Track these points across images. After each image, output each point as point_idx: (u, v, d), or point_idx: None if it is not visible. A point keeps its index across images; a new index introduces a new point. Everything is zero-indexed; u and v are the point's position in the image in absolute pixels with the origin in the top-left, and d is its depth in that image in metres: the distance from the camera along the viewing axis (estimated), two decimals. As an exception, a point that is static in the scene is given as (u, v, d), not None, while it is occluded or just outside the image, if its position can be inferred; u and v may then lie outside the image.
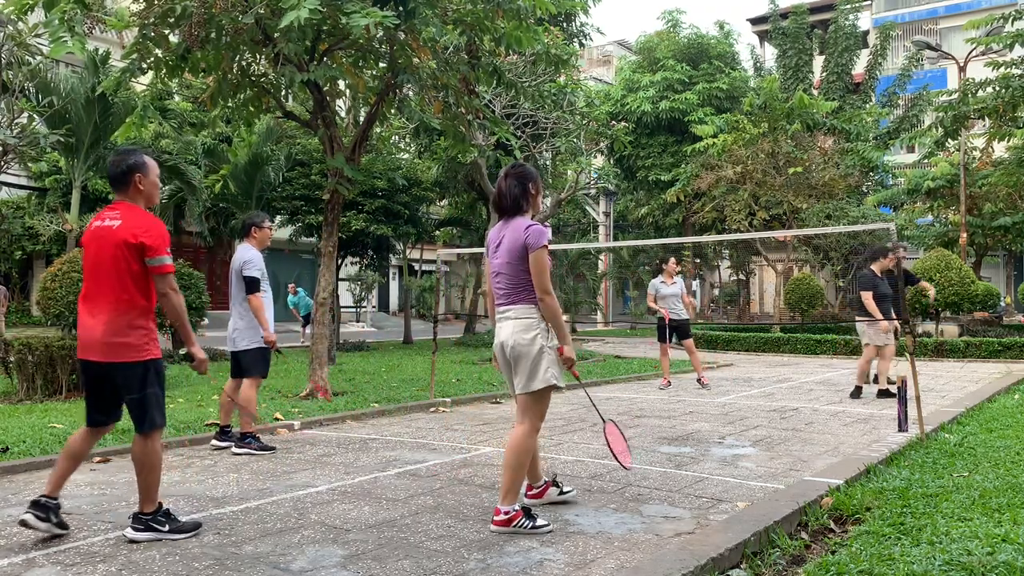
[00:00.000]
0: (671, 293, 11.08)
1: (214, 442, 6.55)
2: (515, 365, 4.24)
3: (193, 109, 21.27)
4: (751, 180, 22.00)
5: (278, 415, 7.80)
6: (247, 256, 6.42)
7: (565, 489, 4.77)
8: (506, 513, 4.12)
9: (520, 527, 4.11)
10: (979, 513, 4.16)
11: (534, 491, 4.67)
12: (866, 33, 34.65)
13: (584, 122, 18.36)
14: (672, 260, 11.40)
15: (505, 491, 4.15)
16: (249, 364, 6.45)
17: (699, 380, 11.16)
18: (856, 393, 9.76)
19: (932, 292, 11.92)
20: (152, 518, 4.04)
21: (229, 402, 6.48)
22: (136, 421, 4.06)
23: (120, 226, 3.97)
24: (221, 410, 6.64)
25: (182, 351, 14.49)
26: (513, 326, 4.26)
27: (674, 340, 11.27)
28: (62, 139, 12.90)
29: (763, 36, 37.01)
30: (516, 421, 4.30)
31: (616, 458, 4.62)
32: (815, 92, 29.23)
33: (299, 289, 24.00)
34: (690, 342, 11.25)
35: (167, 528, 4.03)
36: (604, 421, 4.79)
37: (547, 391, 4.22)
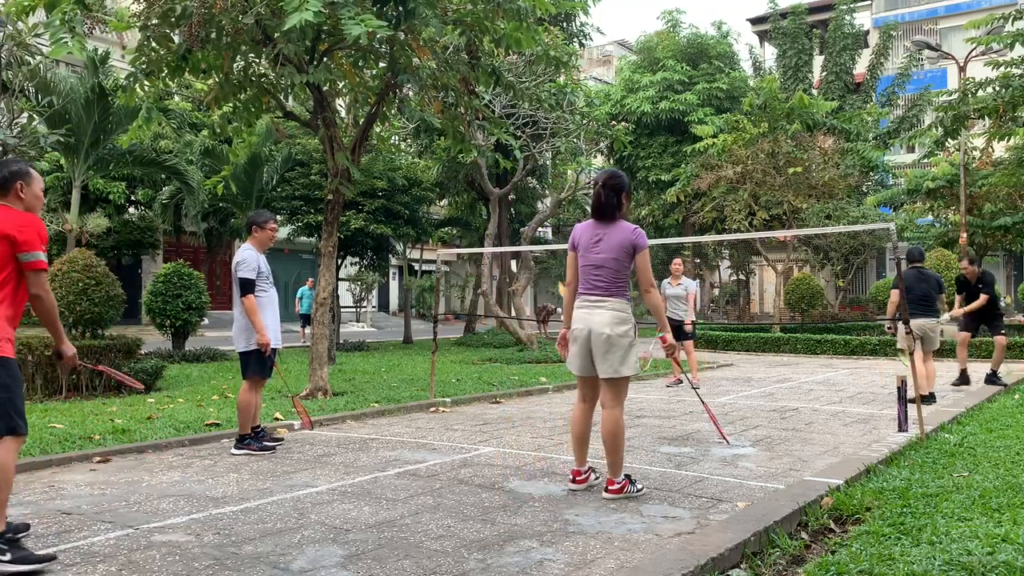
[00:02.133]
0: (673, 294, 11.15)
1: (233, 451, 6.37)
2: (606, 352, 4.75)
3: (193, 109, 21.28)
4: (751, 180, 21.99)
5: (278, 415, 7.80)
6: (240, 257, 6.38)
7: (598, 476, 5.20)
8: (618, 483, 4.82)
9: (630, 493, 4.84)
10: (979, 513, 4.16)
11: (581, 476, 5.09)
12: (866, 33, 34.65)
13: (584, 122, 18.36)
14: (676, 261, 11.44)
15: (613, 467, 4.83)
16: (245, 366, 6.44)
17: (690, 380, 11.25)
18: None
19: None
20: None
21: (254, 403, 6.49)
22: None
23: None
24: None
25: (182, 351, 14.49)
26: (611, 317, 4.79)
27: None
28: (62, 139, 12.89)
29: (763, 36, 37.00)
30: (607, 405, 4.84)
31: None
32: (815, 92, 29.22)
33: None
34: (689, 344, 11.26)
35: (8, 557, 3.53)
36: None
37: (629, 377, 4.86)
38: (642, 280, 4.84)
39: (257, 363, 6.39)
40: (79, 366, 4.43)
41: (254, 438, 6.40)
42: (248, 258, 6.37)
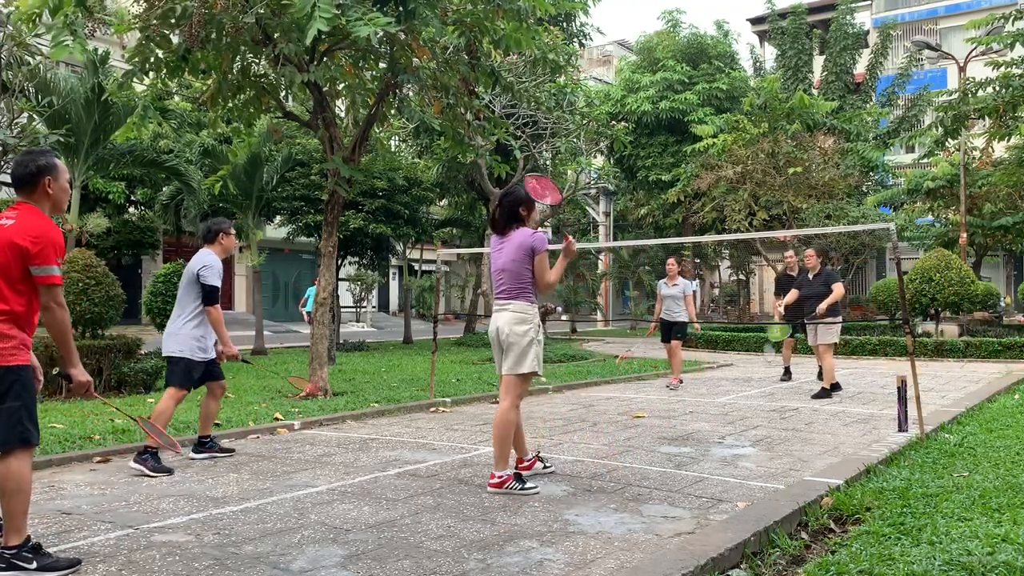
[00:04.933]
0: (668, 295, 11.14)
1: (191, 455, 6.13)
2: (507, 350, 5.07)
3: (193, 109, 21.28)
4: (751, 180, 21.97)
5: (278, 415, 7.80)
6: (208, 260, 5.97)
7: (547, 465, 5.57)
8: (499, 477, 4.94)
9: (511, 488, 4.91)
10: (979, 513, 4.17)
11: (524, 464, 5.42)
12: (866, 33, 34.64)
13: (584, 122, 18.35)
14: (670, 261, 11.41)
15: (497, 459, 5.01)
16: (171, 372, 5.97)
17: (671, 382, 11.34)
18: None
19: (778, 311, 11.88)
20: (16, 553, 3.53)
21: (208, 411, 6.24)
22: None
23: (11, 227, 3.60)
24: (200, 420, 6.29)
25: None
26: (511, 317, 5.07)
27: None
28: (62, 139, 12.87)
29: (763, 36, 37.00)
30: (500, 398, 5.13)
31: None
32: (815, 92, 29.21)
33: None
34: (675, 344, 11.22)
35: (34, 566, 3.52)
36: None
37: (530, 375, 5.11)
38: (538, 280, 5.10)
39: (185, 372, 5.92)
40: (95, 398, 4.19)
41: (153, 456, 5.66)
42: (215, 263, 6.00)
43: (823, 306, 9.77)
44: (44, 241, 3.59)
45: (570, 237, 5.31)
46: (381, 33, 7.40)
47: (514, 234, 5.12)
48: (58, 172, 3.79)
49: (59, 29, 6.97)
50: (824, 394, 9.80)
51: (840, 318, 10.22)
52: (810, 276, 10.38)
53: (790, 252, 12.01)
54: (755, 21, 38.80)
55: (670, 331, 11.25)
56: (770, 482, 5.26)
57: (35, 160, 3.75)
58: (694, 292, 11.79)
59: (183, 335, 5.91)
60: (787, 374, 12.24)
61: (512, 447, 5.22)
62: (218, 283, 5.98)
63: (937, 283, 16.90)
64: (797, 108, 23.01)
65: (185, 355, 5.90)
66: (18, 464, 3.54)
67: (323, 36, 8.81)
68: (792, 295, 10.64)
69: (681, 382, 11.38)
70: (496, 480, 4.93)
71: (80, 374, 3.81)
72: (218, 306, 6.01)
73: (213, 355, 6.10)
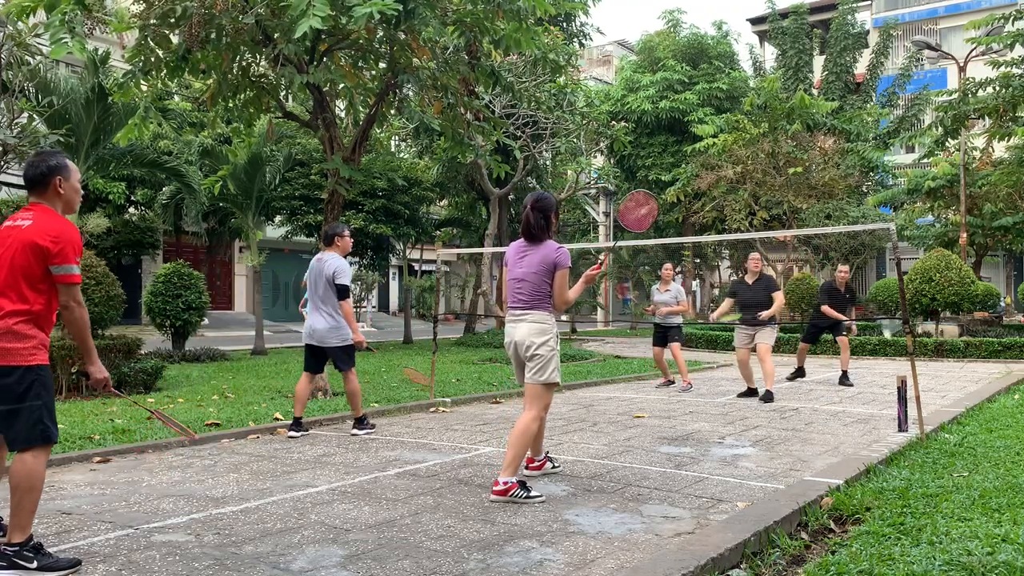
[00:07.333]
0: (660, 301, 10.98)
1: (291, 434, 6.95)
2: (528, 361, 5.00)
3: (193, 109, 21.29)
4: (751, 180, 21.97)
5: (278, 415, 7.80)
6: (340, 265, 7.05)
7: (556, 465, 5.61)
8: (505, 484, 4.76)
9: (515, 496, 4.73)
10: (979, 513, 4.17)
11: (535, 463, 5.46)
12: (867, 33, 34.65)
13: (584, 122, 18.36)
14: (666, 266, 11.31)
15: (507, 464, 4.83)
16: (340, 360, 7.11)
17: (671, 381, 11.28)
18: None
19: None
20: (18, 552, 3.54)
21: (305, 394, 7.13)
22: (13, 435, 3.62)
23: (30, 227, 3.64)
24: (296, 402, 7.11)
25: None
26: (531, 328, 5.02)
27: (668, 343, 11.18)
28: (62, 139, 12.86)
29: (763, 36, 37.00)
30: (525, 407, 5.04)
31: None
32: (815, 92, 29.20)
33: None
34: (676, 346, 11.10)
35: (35, 565, 3.52)
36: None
37: (553, 385, 5.04)
38: (555, 297, 5.04)
39: (352, 356, 7.16)
40: (113, 394, 4.25)
41: (359, 423, 7.13)
42: (345, 266, 7.07)
43: (766, 314, 9.62)
44: (63, 240, 3.65)
45: (598, 267, 5.24)
46: (380, 31, 7.41)
47: (540, 246, 5.04)
48: (69, 172, 3.84)
49: (57, 27, 6.97)
50: (769, 397, 9.49)
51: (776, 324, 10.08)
52: (749, 281, 10.06)
53: (844, 267, 12.15)
54: (755, 21, 38.78)
55: (665, 336, 11.09)
56: (770, 482, 5.26)
57: (46, 160, 3.79)
58: (694, 294, 11.75)
59: (342, 325, 7.03)
60: (800, 372, 12.13)
61: (531, 446, 5.22)
62: (348, 282, 7.10)
63: (937, 283, 16.89)
64: (797, 108, 23.01)
65: (349, 340, 7.06)
66: (35, 462, 3.60)
67: (323, 36, 8.83)
68: (727, 304, 10.50)
69: (672, 382, 11.26)
70: (500, 488, 4.76)
71: (98, 371, 3.89)
72: (349, 300, 7.11)
73: None
